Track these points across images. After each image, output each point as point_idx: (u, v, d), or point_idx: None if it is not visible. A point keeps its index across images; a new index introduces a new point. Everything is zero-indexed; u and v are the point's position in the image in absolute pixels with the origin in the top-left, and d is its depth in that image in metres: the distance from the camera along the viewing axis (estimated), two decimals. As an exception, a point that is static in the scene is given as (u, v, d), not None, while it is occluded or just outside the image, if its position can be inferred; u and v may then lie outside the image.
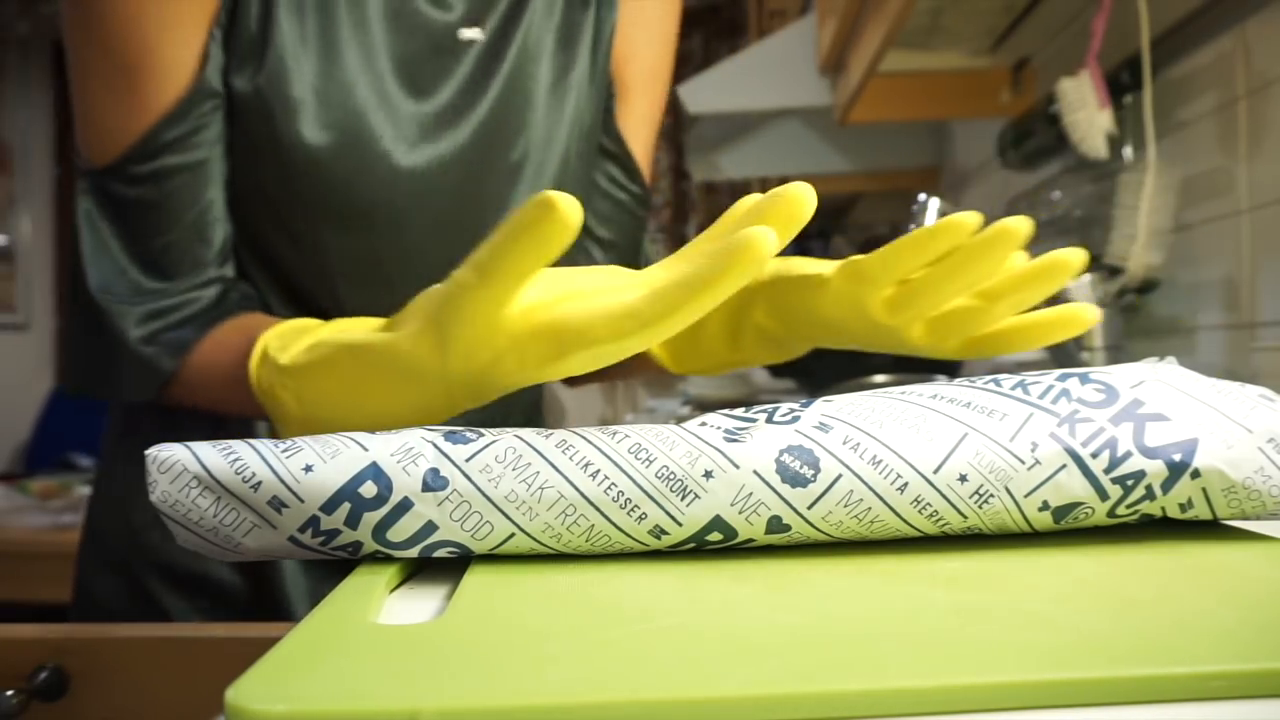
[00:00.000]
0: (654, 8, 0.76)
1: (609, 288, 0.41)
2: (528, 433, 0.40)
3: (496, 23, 0.69)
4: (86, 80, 0.61)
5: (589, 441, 0.38)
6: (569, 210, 0.36)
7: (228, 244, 0.64)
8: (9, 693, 0.52)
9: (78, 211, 0.62)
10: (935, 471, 0.38)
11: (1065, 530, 0.40)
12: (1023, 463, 0.38)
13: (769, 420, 0.39)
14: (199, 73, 0.61)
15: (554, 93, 0.71)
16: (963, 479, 0.38)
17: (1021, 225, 0.45)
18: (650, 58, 0.77)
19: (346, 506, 0.38)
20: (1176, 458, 0.38)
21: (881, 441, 0.38)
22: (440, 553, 0.39)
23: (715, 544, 0.39)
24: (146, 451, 0.40)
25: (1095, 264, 1.11)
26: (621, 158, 0.78)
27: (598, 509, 0.37)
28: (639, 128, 0.78)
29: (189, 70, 0.60)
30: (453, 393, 0.43)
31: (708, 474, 0.37)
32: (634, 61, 0.76)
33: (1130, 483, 0.38)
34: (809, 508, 0.37)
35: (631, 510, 0.37)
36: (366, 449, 0.39)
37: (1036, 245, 1.48)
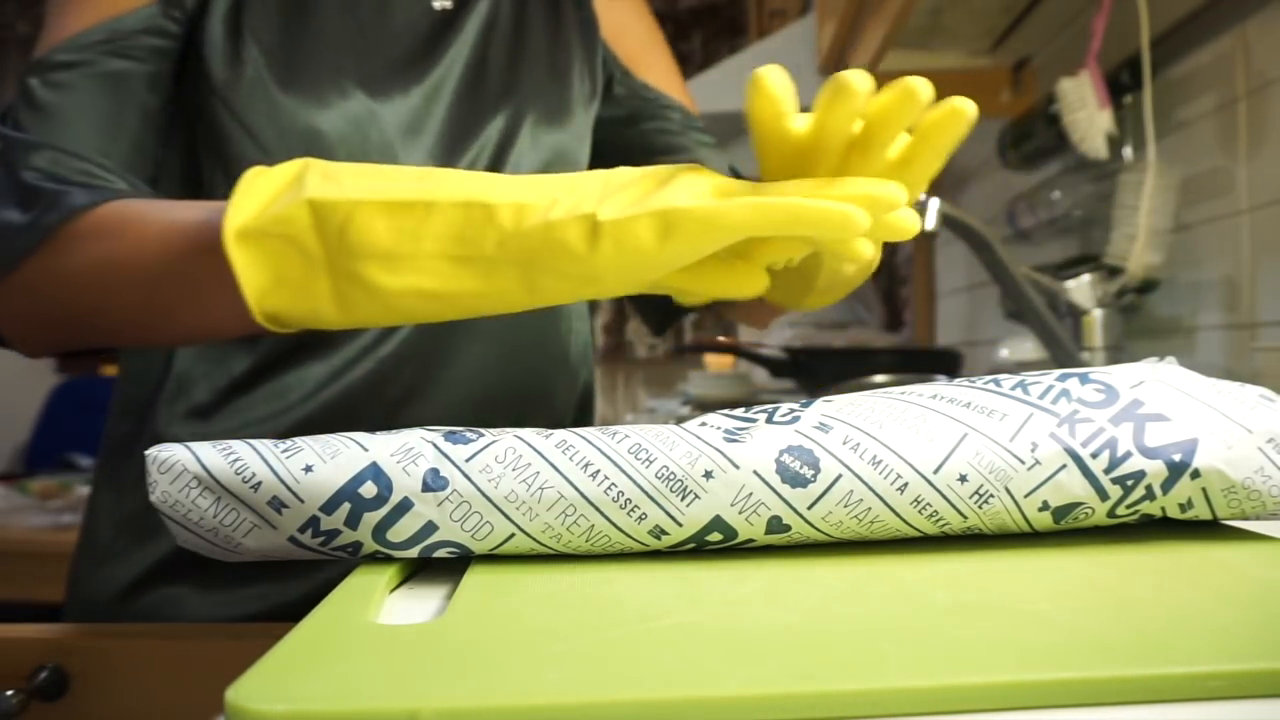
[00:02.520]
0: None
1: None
2: (528, 433, 0.40)
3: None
4: (46, 18, 0.63)
5: (589, 442, 0.38)
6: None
7: (135, 172, 0.62)
8: (9, 693, 0.52)
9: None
10: (935, 472, 0.37)
11: (1065, 530, 0.40)
12: (1023, 463, 0.38)
13: (769, 420, 0.39)
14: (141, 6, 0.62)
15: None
16: (963, 479, 0.38)
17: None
18: (640, 28, 0.83)
19: (346, 507, 0.38)
20: (1176, 458, 0.38)
21: (881, 442, 0.38)
22: (440, 553, 0.39)
23: (715, 544, 0.39)
24: (146, 452, 0.40)
25: (1095, 264, 1.11)
26: (675, 106, 0.81)
27: (598, 509, 0.37)
28: (667, 86, 0.82)
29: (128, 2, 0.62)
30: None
31: (708, 474, 0.37)
32: (627, 35, 0.82)
33: (1130, 483, 0.38)
34: (809, 508, 0.37)
35: (631, 510, 0.37)
36: (366, 449, 0.39)
37: (1036, 245, 1.46)
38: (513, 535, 0.38)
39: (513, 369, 0.71)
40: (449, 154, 0.69)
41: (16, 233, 0.53)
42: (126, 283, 0.52)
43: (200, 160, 0.66)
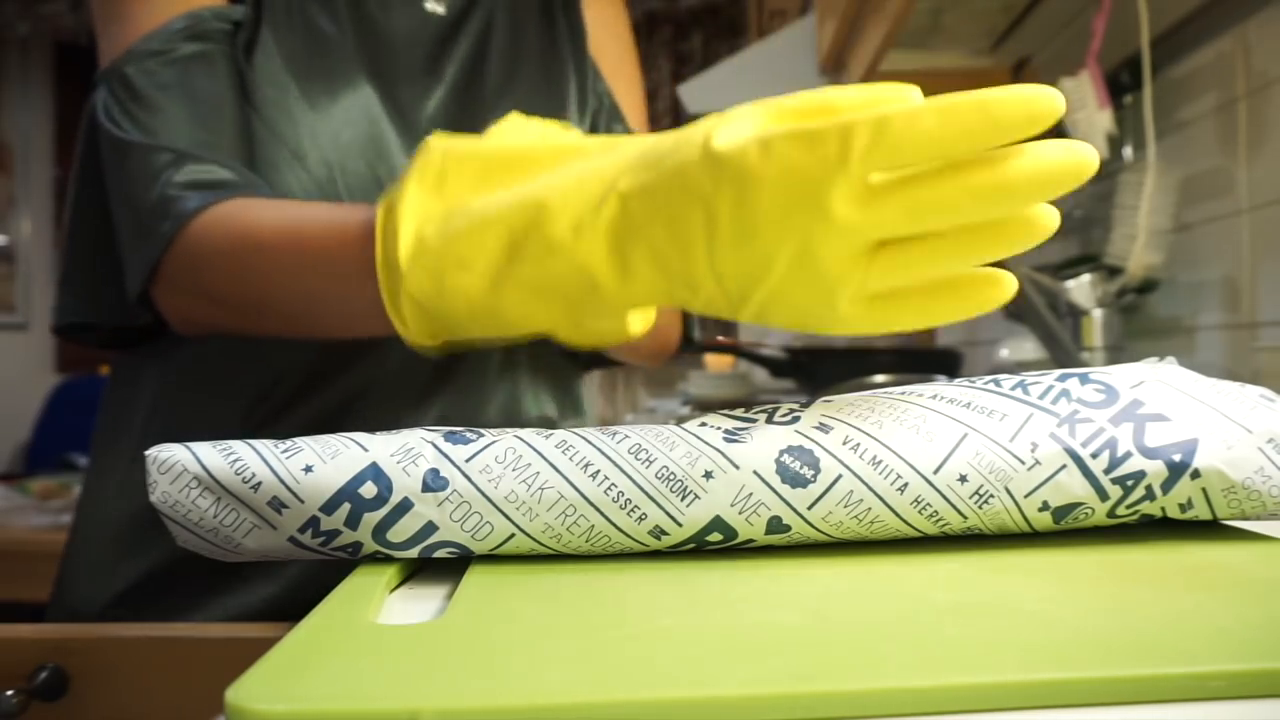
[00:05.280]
0: (606, 7, 0.83)
1: None
2: (528, 433, 0.40)
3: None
4: (106, 22, 0.63)
5: (589, 442, 0.38)
6: None
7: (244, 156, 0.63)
8: (9, 693, 0.52)
9: (92, 112, 0.61)
10: (935, 472, 0.37)
11: (1065, 530, 0.40)
12: (1023, 463, 0.38)
13: (769, 420, 0.39)
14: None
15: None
16: (963, 479, 0.38)
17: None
18: (615, 50, 0.83)
19: (346, 507, 0.38)
20: (1176, 458, 0.38)
21: (881, 442, 0.38)
22: (440, 553, 0.39)
23: (715, 544, 0.39)
24: (146, 452, 0.40)
25: (1095, 264, 1.11)
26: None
27: (598, 509, 0.37)
28: (628, 109, 0.82)
29: None
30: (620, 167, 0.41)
31: (708, 474, 0.37)
32: (603, 53, 0.82)
33: (1130, 483, 0.38)
34: (809, 508, 0.37)
35: (631, 511, 0.37)
36: (366, 449, 0.39)
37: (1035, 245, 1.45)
38: (513, 535, 0.38)
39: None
40: None
41: (143, 249, 0.58)
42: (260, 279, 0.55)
43: None
